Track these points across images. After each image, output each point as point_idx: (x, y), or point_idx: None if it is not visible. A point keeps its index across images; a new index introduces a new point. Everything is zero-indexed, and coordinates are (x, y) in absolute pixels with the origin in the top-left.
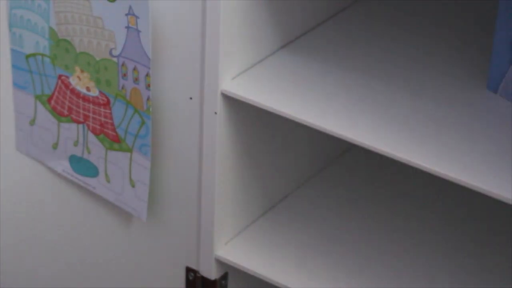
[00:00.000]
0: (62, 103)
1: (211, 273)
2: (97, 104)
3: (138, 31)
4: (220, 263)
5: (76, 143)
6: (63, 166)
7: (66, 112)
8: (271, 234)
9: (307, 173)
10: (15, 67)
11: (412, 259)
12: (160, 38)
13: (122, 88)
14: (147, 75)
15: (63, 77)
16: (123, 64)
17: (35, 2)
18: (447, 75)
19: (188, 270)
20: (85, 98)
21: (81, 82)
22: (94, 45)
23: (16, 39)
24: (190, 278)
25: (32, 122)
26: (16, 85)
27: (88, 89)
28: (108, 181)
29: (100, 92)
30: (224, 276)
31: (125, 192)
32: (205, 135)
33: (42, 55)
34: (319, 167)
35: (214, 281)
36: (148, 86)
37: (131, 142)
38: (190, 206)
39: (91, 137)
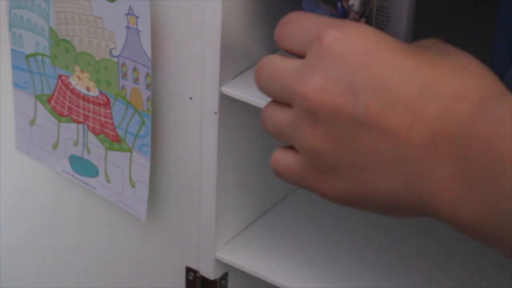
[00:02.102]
0: (62, 103)
1: (211, 273)
2: (97, 104)
3: (138, 31)
4: (220, 263)
5: (76, 143)
6: (63, 166)
7: (66, 112)
8: (271, 234)
9: None
10: (15, 67)
11: (413, 259)
12: (160, 38)
13: (122, 88)
14: (147, 75)
15: (63, 77)
16: (123, 64)
17: (35, 2)
18: None
19: (188, 270)
20: (85, 98)
21: (81, 82)
22: (94, 45)
23: (16, 39)
24: (190, 278)
25: (32, 122)
26: (16, 85)
27: (88, 89)
28: (108, 181)
29: (100, 92)
30: (224, 276)
31: (125, 192)
32: (205, 135)
33: (42, 55)
34: None
35: (214, 281)
36: (148, 86)
37: (131, 142)
38: (190, 206)
39: (91, 137)
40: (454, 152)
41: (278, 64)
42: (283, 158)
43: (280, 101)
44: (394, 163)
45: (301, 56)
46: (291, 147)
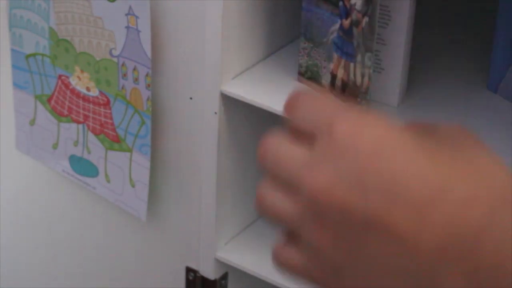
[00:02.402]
0: (62, 103)
1: (211, 273)
2: (97, 104)
3: (138, 31)
4: (220, 263)
5: (76, 143)
6: (63, 166)
7: (66, 112)
8: (272, 234)
9: None
10: (15, 67)
11: None
12: (160, 38)
13: (122, 88)
14: (147, 75)
15: (63, 77)
16: (123, 64)
17: (35, 2)
18: (447, 75)
19: (188, 270)
20: (85, 98)
21: (81, 82)
22: (94, 45)
23: (16, 39)
24: (190, 278)
25: (32, 122)
26: (16, 85)
27: (88, 89)
28: (108, 181)
29: (100, 92)
30: (224, 276)
31: (125, 192)
32: (205, 135)
33: (42, 55)
34: None
35: (214, 281)
36: (148, 86)
37: (131, 142)
38: (190, 206)
39: (91, 137)
40: (463, 264)
41: (285, 148)
42: (285, 254)
43: (282, 184)
44: (401, 271)
45: (308, 134)
46: (291, 240)
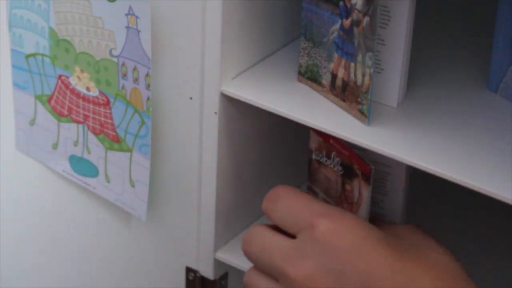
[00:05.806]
0: (62, 103)
1: (211, 273)
2: (97, 104)
3: (138, 31)
4: (220, 263)
5: (76, 143)
6: (63, 166)
7: (66, 112)
8: None
9: (307, 173)
10: (15, 67)
11: None
12: (160, 38)
13: (122, 88)
14: (147, 75)
15: (63, 77)
16: (123, 64)
17: (35, 2)
18: (447, 75)
19: (188, 270)
20: (85, 98)
21: (81, 82)
22: (94, 45)
23: (16, 39)
24: (190, 278)
25: (32, 122)
26: (16, 85)
27: (88, 89)
28: (108, 181)
29: (100, 92)
30: (224, 276)
31: (125, 192)
32: (205, 135)
33: (42, 55)
34: None
35: (214, 281)
36: (148, 86)
37: (131, 142)
38: (190, 206)
39: (91, 137)
40: None
41: (269, 239)
42: None
43: (266, 272)
44: None
45: (289, 232)
46: None
